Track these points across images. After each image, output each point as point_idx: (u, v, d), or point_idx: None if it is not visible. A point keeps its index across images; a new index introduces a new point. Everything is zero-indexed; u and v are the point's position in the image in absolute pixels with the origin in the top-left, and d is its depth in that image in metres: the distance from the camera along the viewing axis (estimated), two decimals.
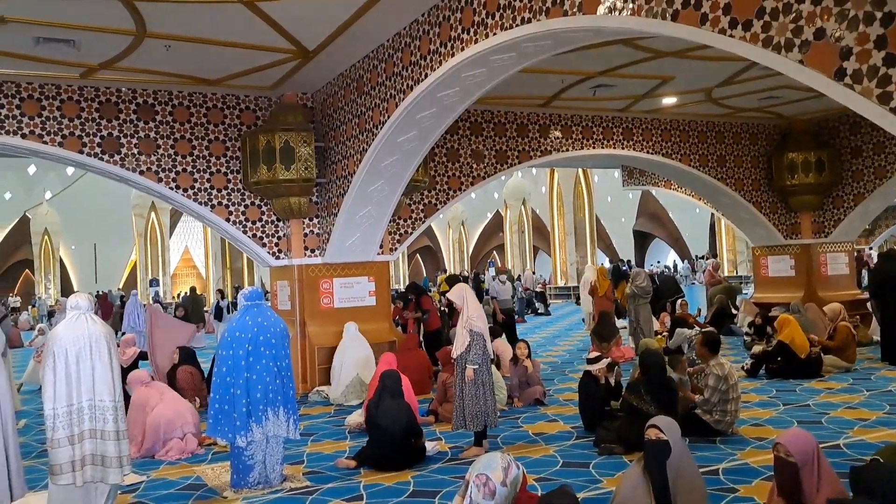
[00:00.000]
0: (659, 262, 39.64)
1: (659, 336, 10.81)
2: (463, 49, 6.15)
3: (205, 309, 20.09)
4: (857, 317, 11.79)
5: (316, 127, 9.48)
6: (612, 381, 6.87)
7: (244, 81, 9.12)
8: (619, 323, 12.22)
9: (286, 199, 9.40)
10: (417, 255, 45.59)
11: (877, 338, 10.84)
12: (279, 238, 9.90)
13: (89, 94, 8.83)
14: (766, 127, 13.32)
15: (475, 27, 5.98)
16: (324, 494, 5.21)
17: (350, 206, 8.80)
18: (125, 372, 7.23)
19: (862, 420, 6.71)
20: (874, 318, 11.49)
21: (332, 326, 9.49)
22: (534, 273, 27.56)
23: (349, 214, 8.96)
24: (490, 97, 9.93)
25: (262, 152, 9.09)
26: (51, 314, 21.35)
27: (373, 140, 7.94)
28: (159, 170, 9.21)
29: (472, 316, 5.99)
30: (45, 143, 8.58)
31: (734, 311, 14.10)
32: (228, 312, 16.50)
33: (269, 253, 9.86)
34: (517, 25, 5.47)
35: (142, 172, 9.12)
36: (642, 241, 43.15)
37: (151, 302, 25.18)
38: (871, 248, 22.83)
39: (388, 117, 7.56)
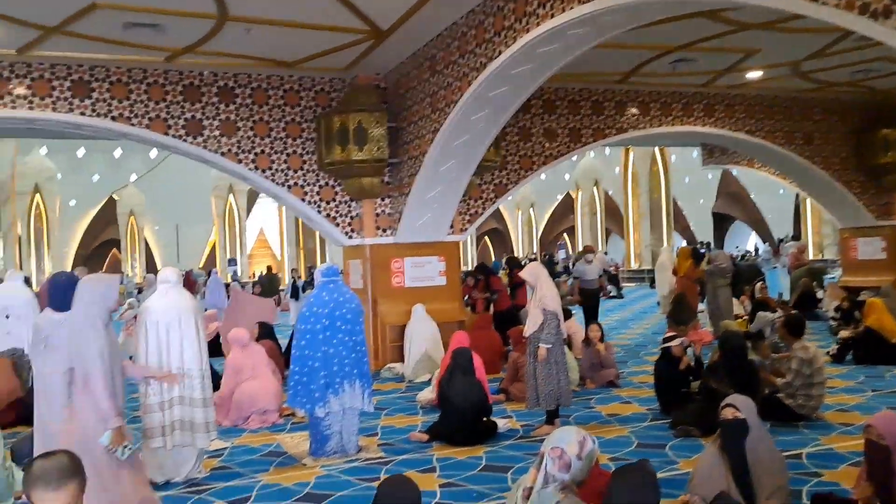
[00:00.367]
0: (738, 246, 38.28)
1: (739, 320, 10.47)
2: (538, 24, 6.06)
3: (280, 288, 20.68)
4: None
5: (389, 108, 9.55)
6: (691, 361, 6.71)
7: (320, 63, 9.27)
8: (700, 307, 11.88)
9: (358, 180, 9.53)
10: (486, 237, 45.52)
11: None
12: (352, 218, 10.07)
13: (173, 78, 9.16)
14: (858, 102, 12.62)
15: (551, 1, 5.88)
16: (398, 465, 5.32)
17: (421, 186, 8.86)
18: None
19: None
20: None
21: (403, 305, 9.61)
22: (605, 253, 27.11)
23: (420, 194, 9.02)
24: (564, 73, 9.74)
25: (336, 133, 9.23)
26: (139, 290, 22.43)
27: (445, 119, 7.95)
28: (239, 151, 9.49)
29: (546, 295, 5.95)
30: (133, 125, 8.97)
31: (819, 296, 13.51)
32: (303, 292, 16.92)
33: (342, 232, 10.04)
34: None
35: (223, 154, 9.42)
36: (721, 223, 41.72)
37: (230, 280, 26.12)
38: None
39: (461, 96, 7.54)
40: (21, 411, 6.74)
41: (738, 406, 3.70)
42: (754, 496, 3.57)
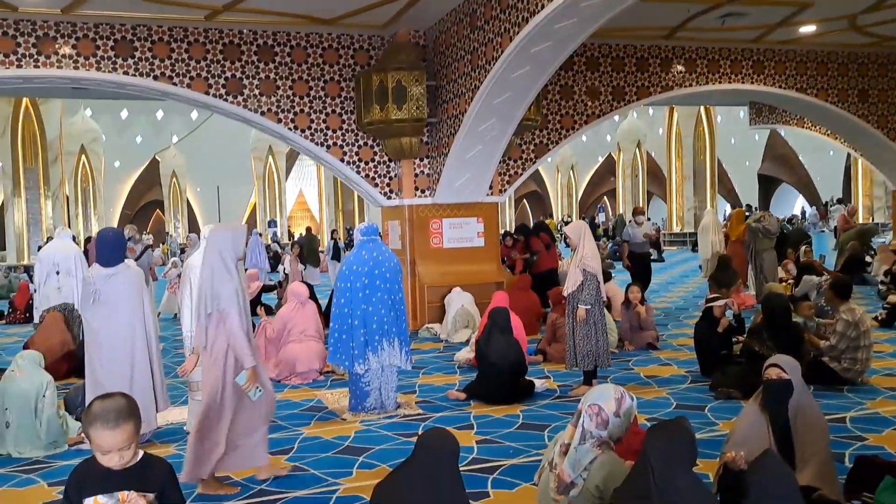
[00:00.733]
0: (785, 215, 37.24)
1: (784, 283, 10.24)
2: None
3: (320, 249, 20.91)
4: None
5: (428, 65, 9.44)
6: (733, 323, 6.60)
7: (358, 20, 9.18)
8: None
9: (397, 140, 9.48)
10: (524, 199, 45.14)
11: None
12: (391, 178, 10.06)
13: (213, 37, 9.18)
14: None
15: None
16: (435, 422, 5.37)
17: (461, 145, 8.78)
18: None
19: None
20: None
21: (442, 266, 9.62)
22: (648, 219, 26.65)
23: (460, 154, 8.94)
24: (608, 28, 9.48)
25: (375, 92, 9.17)
26: (182, 250, 22.89)
27: (485, 77, 7.82)
28: (279, 110, 9.52)
29: (587, 255, 5.88)
30: (175, 84, 9.04)
31: (869, 259, 13.11)
32: (344, 253, 17.08)
33: (380, 193, 10.05)
34: None
35: (263, 113, 9.46)
36: (768, 185, 40.59)
37: (271, 241, 26.47)
38: None
39: (502, 52, 7.40)
40: (73, 363, 7.01)
41: (784, 366, 3.61)
42: (794, 457, 3.51)
